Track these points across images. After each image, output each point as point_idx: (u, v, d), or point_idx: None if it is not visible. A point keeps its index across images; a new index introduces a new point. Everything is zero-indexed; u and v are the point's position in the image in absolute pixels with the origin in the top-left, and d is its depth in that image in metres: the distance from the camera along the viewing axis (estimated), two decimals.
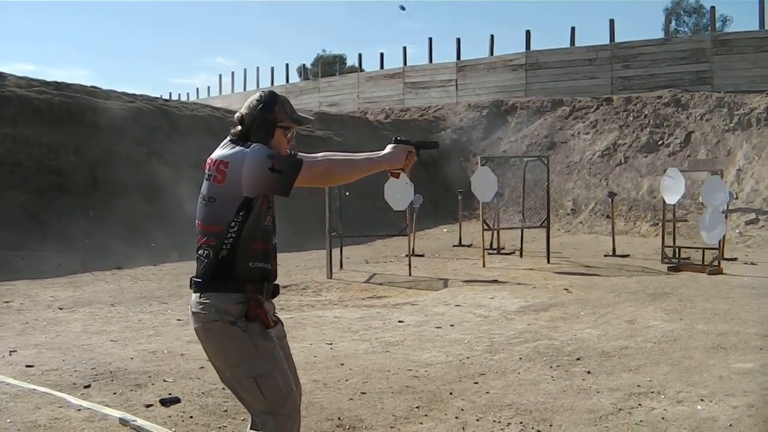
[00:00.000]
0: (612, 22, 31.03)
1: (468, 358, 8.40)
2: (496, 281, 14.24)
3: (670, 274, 15.22)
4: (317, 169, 3.95)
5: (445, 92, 34.82)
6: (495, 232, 19.55)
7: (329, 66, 52.57)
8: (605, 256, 18.18)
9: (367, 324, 10.40)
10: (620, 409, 6.52)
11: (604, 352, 8.56)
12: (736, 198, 22.85)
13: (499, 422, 6.22)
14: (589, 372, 7.74)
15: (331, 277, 15.02)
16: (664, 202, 17.32)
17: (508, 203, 23.29)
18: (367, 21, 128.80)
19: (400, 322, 10.53)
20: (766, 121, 25.05)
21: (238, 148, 3.90)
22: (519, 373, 7.74)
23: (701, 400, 6.72)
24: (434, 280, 14.62)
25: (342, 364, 8.12)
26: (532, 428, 6.08)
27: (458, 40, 36.32)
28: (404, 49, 37.78)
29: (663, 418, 6.20)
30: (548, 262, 17.08)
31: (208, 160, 3.97)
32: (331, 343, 9.15)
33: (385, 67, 39.10)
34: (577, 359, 8.27)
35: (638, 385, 7.19)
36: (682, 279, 14.49)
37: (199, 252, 3.94)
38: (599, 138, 27.49)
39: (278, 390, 3.91)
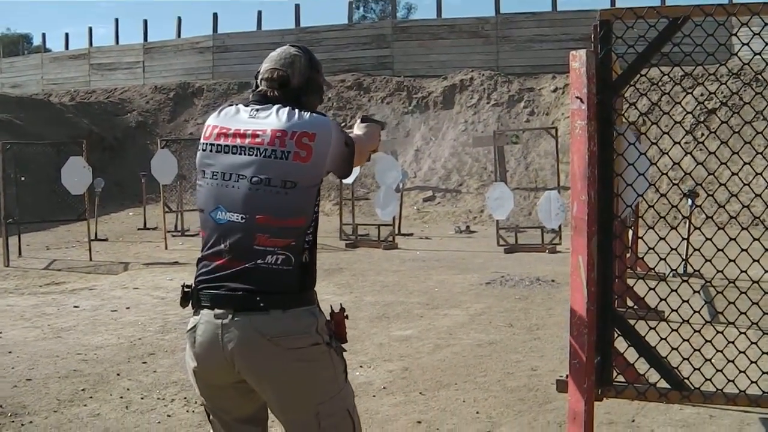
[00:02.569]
0: (297, 6, 31.60)
1: (140, 339, 8.45)
2: (176, 263, 14.27)
3: (347, 251, 15.87)
4: (359, 146, 3.30)
5: (132, 74, 34.07)
6: (179, 214, 19.50)
7: (14, 45, 50.07)
8: None
9: (41, 311, 10.16)
10: None
11: None
12: (415, 176, 24.04)
13: (164, 399, 6.35)
14: None
15: (8, 265, 14.46)
16: (341, 180, 17.92)
17: (194, 185, 23.24)
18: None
19: (75, 307, 10.37)
20: (442, 104, 26.51)
21: (311, 114, 3.09)
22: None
23: (360, 366, 7.14)
24: (115, 264, 14.43)
25: (10, 352, 7.92)
26: (195, 403, 6.21)
27: (145, 22, 35.59)
28: (90, 29, 36.63)
29: None
30: None
31: (261, 131, 3.03)
32: (0, 332, 8.89)
33: (70, 47, 37.76)
34: None
35: None
36: (357, 254, 15.15)
37: (265, 258, 2.96)
38: None
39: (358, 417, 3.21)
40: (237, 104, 3.21)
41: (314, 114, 3.09)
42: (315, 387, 3.01)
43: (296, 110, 3.07)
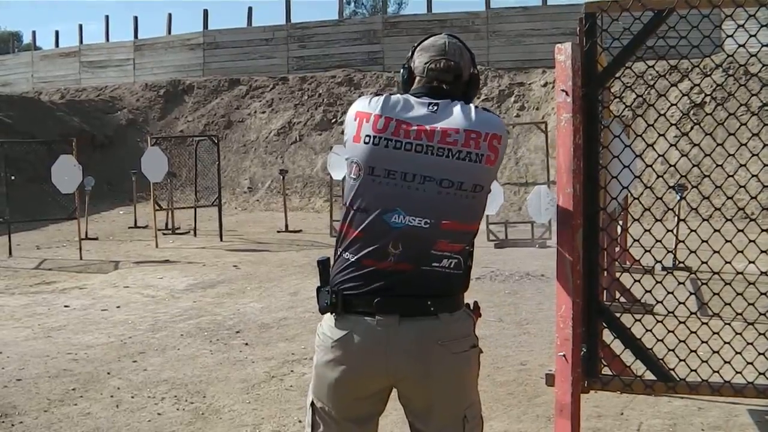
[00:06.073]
0: (288, 2, 31.50)
1: (130, 337, 8.44)
2: (167, 261, 14.25)
3: None
4: None
5: (123, 71, 33.96)
6: (170, 212, 19.45)
7: (4, 44, 49.91)
8: (278, 232, 18.58)
9: (32, 310, 10.13)
10: (273, 377, 6.83)
11: (263, 324, 8.87)
12: None
13: (154, 397, 6.35)
14: (247, 344, 8.01)
15: None
16: (331, 177, 17.91)
17: (185, 183, 23.20)
18: None
19: (66, 306, 10.34)
20: None
21: (494, 115, 2.92)
22: (179, 349, 7.88)
23: None
24: (105, 263, 14.38)
25: (0, 353, 7.91)
26: (186, 401, 6.25)
27: (135, 18, 35.48)
28: (80, 26, 36.53)
29: None
30: (221, 240, 17.24)
31: (453, 130, 2.80)
32: None
33: (60, 45, 37.60)
34: (237, 332, 8.52)
35: (292, 353, 7.53)
36: None
37: (441, 261, 2.82)
38: (275, 117, 27.90)
39: None
40: (401, 94, 2.97)
41: (494, 114, 2.93)
42: (467, 390, 2.93)
43: (480, 108, 2.88)
